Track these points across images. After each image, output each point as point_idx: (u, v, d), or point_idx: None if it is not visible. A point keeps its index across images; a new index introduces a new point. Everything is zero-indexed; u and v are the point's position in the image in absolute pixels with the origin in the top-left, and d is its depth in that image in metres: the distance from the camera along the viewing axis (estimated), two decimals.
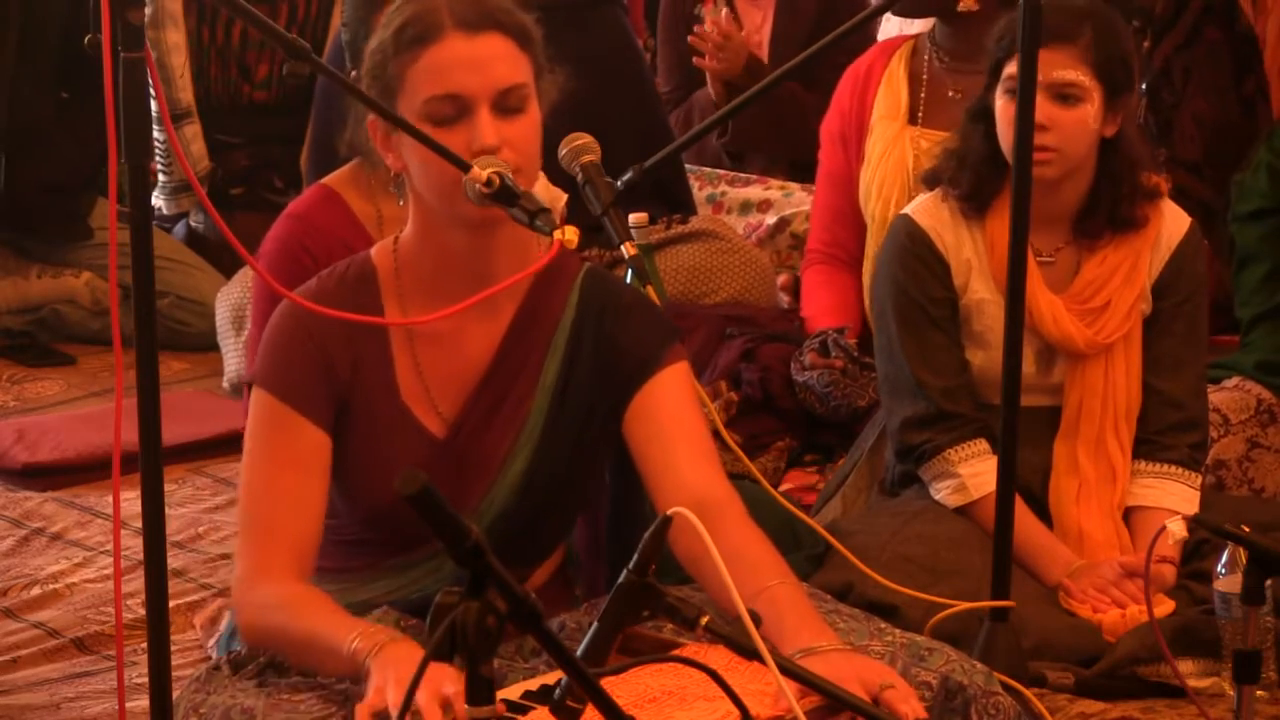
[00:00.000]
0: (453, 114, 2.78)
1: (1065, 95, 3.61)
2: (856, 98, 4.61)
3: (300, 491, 2.82)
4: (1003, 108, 3.64)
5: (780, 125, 5.49)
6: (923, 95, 4.52)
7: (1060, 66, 3.58)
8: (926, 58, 4.53)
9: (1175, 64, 4.72)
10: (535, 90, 2.85)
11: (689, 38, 5.54)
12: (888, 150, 4.50)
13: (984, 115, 3.72)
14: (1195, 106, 4.72)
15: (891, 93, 4.54)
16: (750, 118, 5.45)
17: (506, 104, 2.80)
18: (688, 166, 5.49)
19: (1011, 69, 3.58)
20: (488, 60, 2.79)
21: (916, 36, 4.63)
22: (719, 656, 2.52)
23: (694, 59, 5.53)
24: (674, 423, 2.89)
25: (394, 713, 2.47)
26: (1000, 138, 3.66)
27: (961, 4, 4.37)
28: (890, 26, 5.31)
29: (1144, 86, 4.73)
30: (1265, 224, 4.37)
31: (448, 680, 2.46)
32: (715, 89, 5.56)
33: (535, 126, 2.85)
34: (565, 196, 3.68)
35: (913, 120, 4.51)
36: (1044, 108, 3.57)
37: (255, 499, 2.84)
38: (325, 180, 3.58)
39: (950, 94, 4.48)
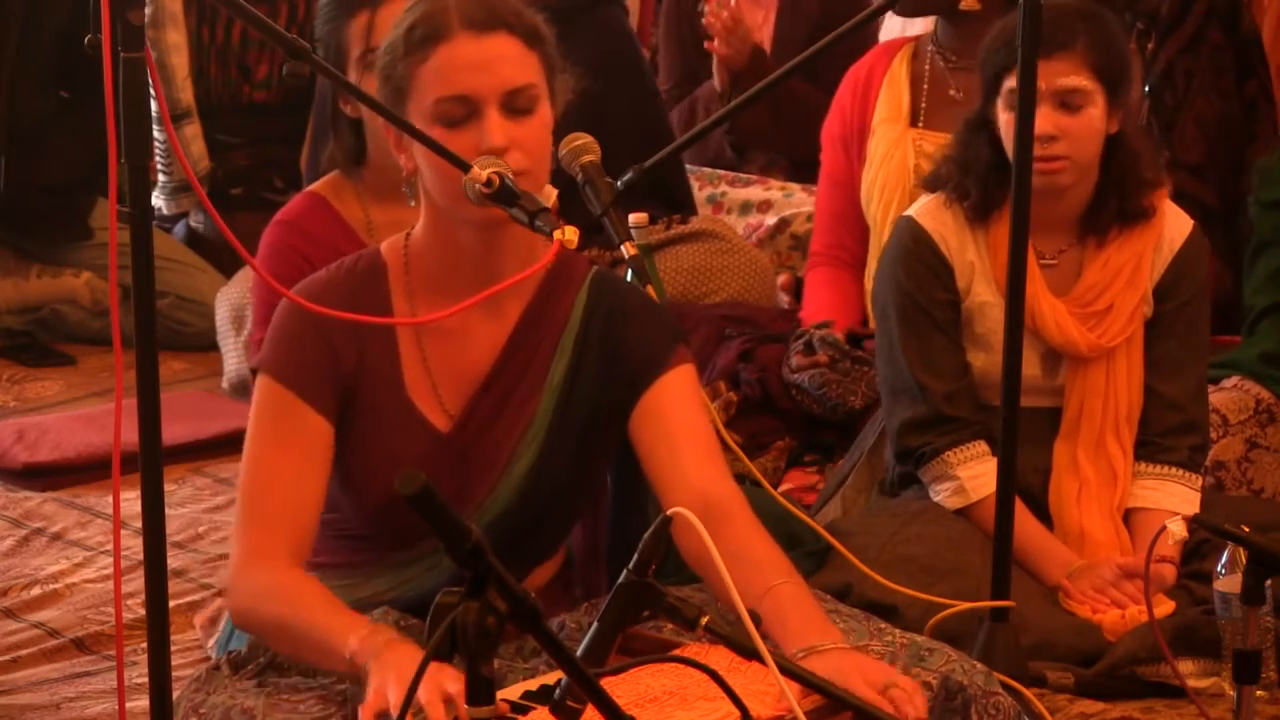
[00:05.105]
0: (462, 115, 2.79)
1: (1070, 102, 3.61)
2: (858, 100, 4.61)
3: (301, 478, 2.83)
4: (1008, 122, 3.63)
5: (783, 121, 5.49)
6: (924, 97, 4.52)
7: (1062, 74, 3.58)
8: (928, 59, 4.53)
9: (1178, 66, 4.72)
10: (548, 90, 2.86)
11: (703, 20, 5.54)
12: (889, 152, 4.50)
13: (984, 125, 3.71)
14: (1197, 109, 4.72)
15: (893, 95, 4.54)
16: (754, 114, 5.45)
17: (515, 105, 2.81)
18: (688, 167, 5.49)
19: (1013, 82, 3.56)
20: (496, 61, 2.80)
21: (917, 38, 4.63)
22: (720, 657, 2.52)
23: (704, 43, 5.52)
24: (680, 425, 2.89)
25: (394, 713, 2.47)
26: (1009, 152, 3.65)
27: (963, 3, 4.37)
28: (893, 26, 5.31)
29: (1147, 89, 4.73)
30: None
31: (449, 679, 2.46)
32: (721, 78, 5.56)
33: (545, 128, 2.85)
34: (555, 192, 3.68)
35: (914, 122, 4.51)
36: (1051, 117, 3.57)
37: (256, 484, 2.84)
38: (312, 188, 3.57)
39: (952, 93, 4.48)
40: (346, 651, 2.62)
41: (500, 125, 2.78)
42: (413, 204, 2.93)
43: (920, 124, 4.51)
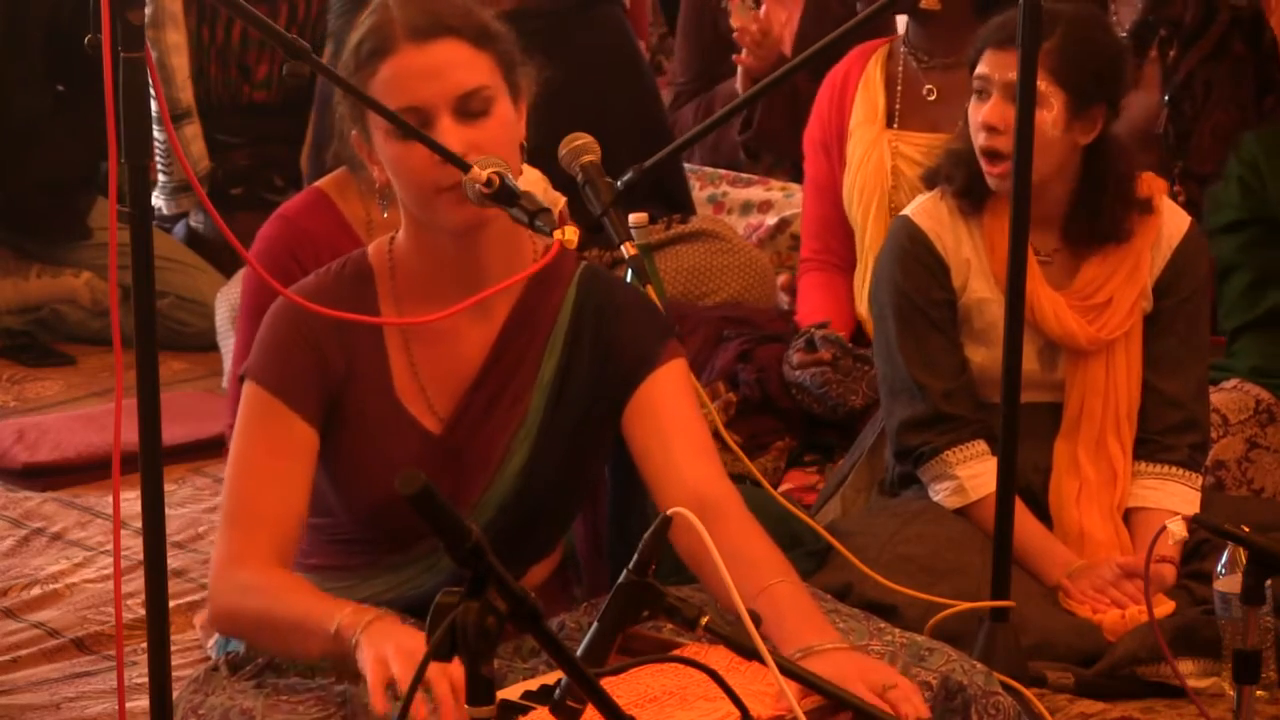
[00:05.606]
0: (416, 125, 2.76)
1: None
2: (835, 105, 4.62)
3: (286, 484, 2.83)
4: (969, 109, 3.68)
5: (799, 121, 5.49)
6: (899, 98, 4.53)
7: (1013, 68, 3.56)
8: (901, 60, 4.55)
9: (1198, 76, 4.72)
10: (506, 87, 2.84)
11: (733, 34, 5.54)
12: (867, 155, 4.51)
13: None
14: (1215, 120, 4.72)
15: (868, 97, 4.55)
16: (773, 114, 5.46)
17: (468, 108, 2.79)
18: (688, 166, 5.48)
19: (978, 69, 3.67)
20: (443, 67, 2.78)
21: (891, 40, 4.64)
22: (720, 656, 2.52)
23: (733, 56, 5.53)
24: (672, 420, 2.89)
25: (401, 685, 2.48)
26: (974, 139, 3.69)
27: (923, 2, 4.38)
28: (900, 21, 5.31)
29: (1166, 98, 4.73)
30: (1241, 235, 4.38)
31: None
32: (745, 85, 5.56)
33: (504, 127, 2.82)
34: (564, 200, 3.69)
35: (890, 123, 4.53)
36: (999, 108, 3.60)
37: (240, 488, 2.85)
38: (318, 183, 3.58)
39: (925, 91, 4.50)
40: (331, 627, 2.62)
41: (454, 131, 2.76)
42: (386, 215, 2.93)
43: (896, 125, 4.52)
